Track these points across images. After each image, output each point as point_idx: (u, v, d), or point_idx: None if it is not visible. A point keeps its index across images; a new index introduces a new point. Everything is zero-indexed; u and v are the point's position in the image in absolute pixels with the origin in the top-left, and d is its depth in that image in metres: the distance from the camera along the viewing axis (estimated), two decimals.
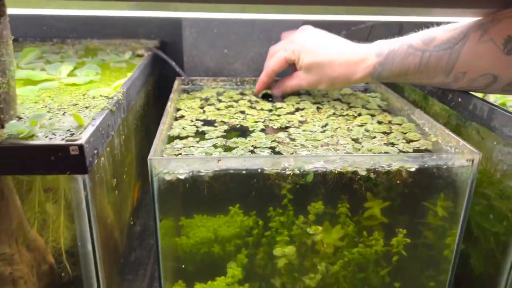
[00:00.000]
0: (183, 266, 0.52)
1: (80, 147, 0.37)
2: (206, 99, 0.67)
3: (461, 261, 0.59)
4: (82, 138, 0.38)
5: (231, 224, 0.60)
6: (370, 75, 0.58)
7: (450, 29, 0.53)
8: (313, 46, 0.62)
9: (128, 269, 0.66)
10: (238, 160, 0.44)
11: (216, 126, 0.56)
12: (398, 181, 0.46)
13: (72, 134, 0.42)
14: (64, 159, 0.37)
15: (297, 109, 0.63)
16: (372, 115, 0.61)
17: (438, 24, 0.56)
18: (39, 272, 0.50)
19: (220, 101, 0.66)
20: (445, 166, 0.46)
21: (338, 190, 0.52)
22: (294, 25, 0.73)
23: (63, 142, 0.37)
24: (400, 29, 0.85)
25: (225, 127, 0.56)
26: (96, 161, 0.41)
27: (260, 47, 0.77)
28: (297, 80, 0.65)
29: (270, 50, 0.69)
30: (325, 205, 0.56)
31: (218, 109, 0.63)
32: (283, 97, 0.69)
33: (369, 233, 0.57)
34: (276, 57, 0.66)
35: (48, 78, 0.64)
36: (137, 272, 0.72)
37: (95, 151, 0.40)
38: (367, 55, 0.58)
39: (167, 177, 0.42)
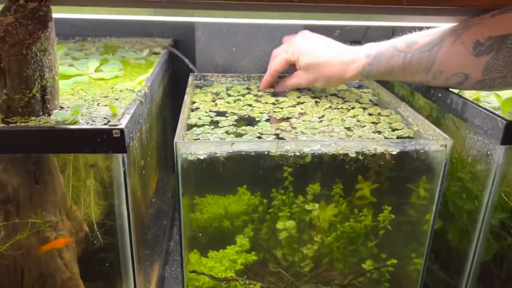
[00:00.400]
0: (200, 234, 0.61)
1: (121, 130, 0.45)
2: (217, 93, 0.75)
3: (440, 236, 0.68)
4: (122, 123, 0.46)
5: (239, 202, 0.69)
6: (360, 73, 0.66)
7: (429, 34, 0.61)
8: (310, 49, 0.71)
9: (146, 245, 0.74)
10: (248, 143, 0.52)
11: (227, 117, 0.64)
12: (382, 163, 0.55)
13: (109, 121, 0.50)
14: (107, 141, 0.45)
15: (298, 103, 0.72)
16: (364, 108, 0.69)
17: (421, 28, 0.64)
18: (76, 239, 0.59)
19: (229, 95, 0.75)
20: (422, 150, 0.54)
21: (333, 171, 0.60)
22: (295, 28, 0.82)
23: (107, 127, 0.46)
24: (393, 32, 0.93)
25: (235, 117, 0.64)
26: (131, 143, 0.49)
27: (265, 46, 0.85)
28: (297, 79, 0.74)
29: (273, 53, 0.78)
30: (321, 186, 0.64)
31: (228, 102, 0.71)
32: (286, 93, 0.78)
33: (360, 211, 0.66)
34: (278, 58, 0.75)
35: (79, 73, 0.72)
36: (154, 248, 0.80)
37: (131, 135, 0.49)
38: (357, 56, 0.66)
39: (190, 157, 0.51)
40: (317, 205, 0.63)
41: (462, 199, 0.62)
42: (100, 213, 0.63)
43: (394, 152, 0.54)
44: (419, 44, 0.61)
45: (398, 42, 0.63)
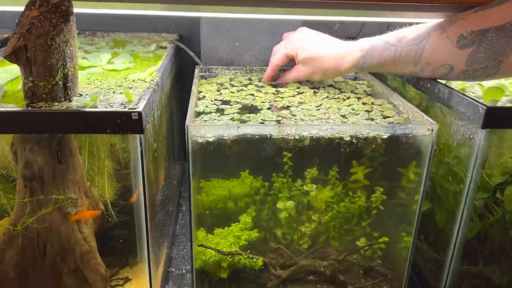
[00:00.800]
0: (207, 212, 0.66)
1: (139, 113, 0.50)
2: (221, 84, 0.80)
3: (429, 218, 0.73)
4: (140, 107, 0.51)
5: (243, 185, 0.74)
6: (355, 66, 0.72)
7: (418, 29, 0.67)
8: (308, 44, 0.76)
9: (159, 226, 0.79)
10: (253, 127, 0.57)
11: (231, 105, 0.69)
12: (374, 146, 0.60)
13: (125, 107, 0.55)
14: (127, 122, 0.50)
15: (298, 93, 0.77)
16: (359, 98, 0.75)
17: (411, 24, 0.69)
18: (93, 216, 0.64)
19: (232, 85, 0.80)
20: (410, 135, 0.60)
21: (329, 155, 0.66)
22: (295, 24, 0.87)
23: (127, 109, 0.51)
24: (387, 28, 0.98)
25: (239, 105, 0.69)
26: (147, 126, 0.54)
27: (266, 41, 0.90)
28: (296, 72, 0.79)
29: (274, 49, 0.83)
30: (318, 170, 0.70)
31: (231, 92, 0.76)
32: (286, 85, 0.83)
33: (354, 193, 0.71)
34: (278, 54, 0.80)
35: (92, 65, 0.77)
36: (162, 231, 0.85)
37: (147, 118, 0.54)
38: (352, 50, 0.71)
39: (199, 140, 0.56)
40: (314, 186, 0.68)
41: (449, 182, 0.67)
42: (114, 193, 0.68)
43: (385, 136, 0.59)
44: (408, 38, 0.66)
45: (390, 36, 0.69)
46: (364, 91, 0.79)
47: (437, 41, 0.64)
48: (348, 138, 0.59)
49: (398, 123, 0.62)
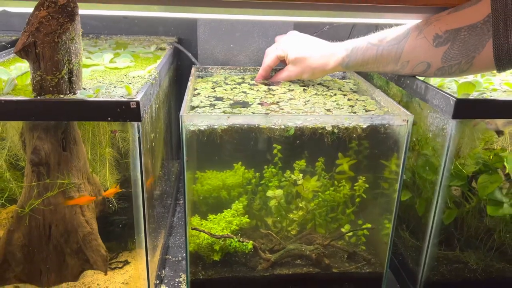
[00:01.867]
0: (201, 197, 0.71)
1: (137, 102, 0.56)
2: (216, 82, 0.86)
3: (409, 207, 0.78)
4: (138, 97, 0.57)
5: (235, 175, 0.79)
6: (340, 65, 0.77)
7: (398, 30, 0.72)
8: (297, 46, 0.81)
9: (152, 220, 0.84)
10: (242, 117, 0.62)
11: (224, 101, 0.74)
12: (355, 135, 0.65)
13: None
14: (126, 111, 0.56)
15: (288, 90, 0.82)
16: (344, 95, 0.80)
17: (397, 25, 0.75)
18: (95, 201, 0.69)
19: (226, 84, 0.85)
20: (387, 125, 0.65)
21: (315, 147, 0.70)
22: (286, 27, 0.92)
23: (125, 99, 0.56)
24: (376, 28, 1.03)
25: (231, 101, 0.74)
26: (144, 115, 0.60)
27: (259, 43, 0.96)
28: (287, 72, 0.84)
29: (266, 51, 0.88)
30: (306, 161, 0.75)
31: (225, 90, 0.81)
32: (279, 83, 0.88)
33: (339, 183, 0.76)
34: (270, 55, 0.86)
35: (96, 63, 0.83)
36: (160, 223, 0.90)
37: (144, 108, 0.59)
38: (337, 50, 0.77)
39: (192, 128, 0.61)
40: (301, 175, 0.73)
41: (426, 171, 0.72)
42: (115, 180, 0.73)
43: (364, 126, 0.64)
44: (389, 38, 0.72)
45: (372, 37, 0.74)
46: (350, 88, 0.84)
47: (415, 40, 0.69)
48: (329, 128, 0.64)
49: (376, 114, 0.67)
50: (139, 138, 0.58)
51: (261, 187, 0.77)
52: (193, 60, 0.95)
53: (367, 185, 0.73)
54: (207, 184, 0.78)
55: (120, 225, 0.73)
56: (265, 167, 0.77)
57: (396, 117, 0.65)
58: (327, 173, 0.76)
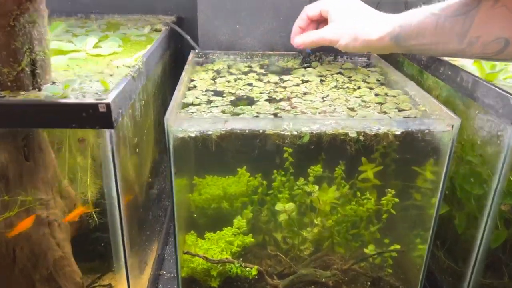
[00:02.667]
0: (195, 215, 0.59)
1: (107, 105, 0.43)
2: (218, 71, 0.73)
3: (446, 222, 0.65)
4: (109, 97, 0.44)
5: (238, 183, 0.67)
6: (389, 35, 0.61)
7: None
8: (339, 4, 0.68)
9: (146, 225, 0.73)
10: (243, 121, 0.50)
11: (224, 96, 0.61)
12: (385, 144, 0.52)
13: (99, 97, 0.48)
14: (94, 115, 0.44)
15: (302, 81, 0.69)
16: (370, 88, 0.66)
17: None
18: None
19: (230, 73, 0.72)
20: (427, 131, 0.51)
21: (334, 153, 0.58)
22: (301, 3, 0.78)
23: (93, 101, 0.44)
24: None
25: (233, 97, 0.61)
26: (120, 119, 0.47)
27: (269, 23, 0.82)
28: (321, 33, 0.69)
29: (304, 8, 0.74)
30: (322, 168, 0.62)
31: (228, 82, 0.68)
32: (290, 70, 0.75)
33: (362, 194, 0.63)
34: (301, 14, 0.73)
35: (76, 49, 0.71)
36: (154, 228, 0.79)
37: (120, 110, 0.47)
38: (387, 16, 0.62)
39: (180, 135, 0.49)
40: (316, 187, 0.60)
41: (470, 183, 0.59)
42: (96, 192, 0.62)
43: (398, 133, 0.51)
44: (454, 7, 0.56)
45: (432, 6, 0.59)
46: (377, 79, 0.71)
47: (491, 10, 0.53)
48: (354, 135, 0.51)
49: (414, 117, 0.54)
50: (112, 149, 0.46)
51: (269, 197, 0.65)
52: (192, 44, 0.82)
53: (397, 200, 0.61)
54: (206, 193, 0.67)
55: (102, 243, 0.62)
56: (274, 171, 0.64)
57: (439, 122, 0.51)
58: (348, 182, 0.64)
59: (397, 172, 0.62)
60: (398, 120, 0.52)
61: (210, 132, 0.49)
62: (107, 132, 0.45)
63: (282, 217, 0.63)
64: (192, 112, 0.54)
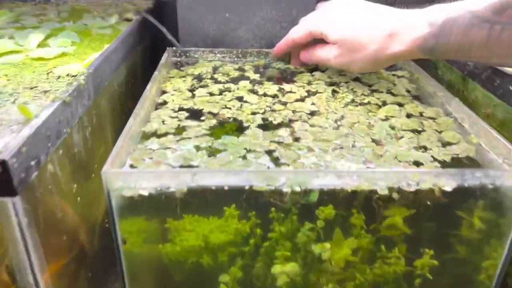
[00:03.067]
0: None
1: (3, 163, 0.28)
2: (199, 78, 0.56)
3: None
4: (8, 150, 0.28)
5: (225, 228, 0.51)
6: (420, 48, 0.46)
7: None
8: (344, 18, 0.52)
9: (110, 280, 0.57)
10: (218, 174, 0.34)
11: (203, 120, 0.45)
12: (429, 202, 0.36)
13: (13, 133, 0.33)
14: None
15: (308, 93, 0.52)
16: (400, 104, 0.50)
17: None
18: None
19: (215, 80, 0.56)
20: (491, 186, 0.35)
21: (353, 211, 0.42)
22: None
23: None
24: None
25: (214, 121, 0.45)
26: (35, 173, 0.32)
27: (267, 11, 0.64)
28: (326, 54, 0.54)
29: (301, 20, 0.59)
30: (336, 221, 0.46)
31: (210, 94, 0.52)
32: (293, 74, 0.58)
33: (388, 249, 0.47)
34: (299, 27, 0.57)
35: (15, 50, 0.54)
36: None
37: (32, 162, 0.31)
38: (415, 23, 0.45)
39: (126, 193, 0.33)
40: (328, 245, 0.45)
41: None
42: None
43: (448, 188, 0.35)
44: None
45: (477, 5, 0.42)
46: (407, 90, 0.54)
47: None
48: (385, 192, 0.35)
49: (469, 159, 0.38)
50: (19, 222, 0.30)
51: (264, 249, 0.49)
52: (170, 38, 0.65)
53: (435, 262, 0.45)
54: (184, 241, 0.51)
55: None
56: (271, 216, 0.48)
57: (509, 174, 0.35)
58: (368, 233, 0.48)
59: (435, 217, 0.46)
60: (450, 172, 0.35)
61: (172, 190, 0.33)
62: (8, 201, 0.29)
63: (282, 280, 0.47)
64: (152, 150, 0.38)
